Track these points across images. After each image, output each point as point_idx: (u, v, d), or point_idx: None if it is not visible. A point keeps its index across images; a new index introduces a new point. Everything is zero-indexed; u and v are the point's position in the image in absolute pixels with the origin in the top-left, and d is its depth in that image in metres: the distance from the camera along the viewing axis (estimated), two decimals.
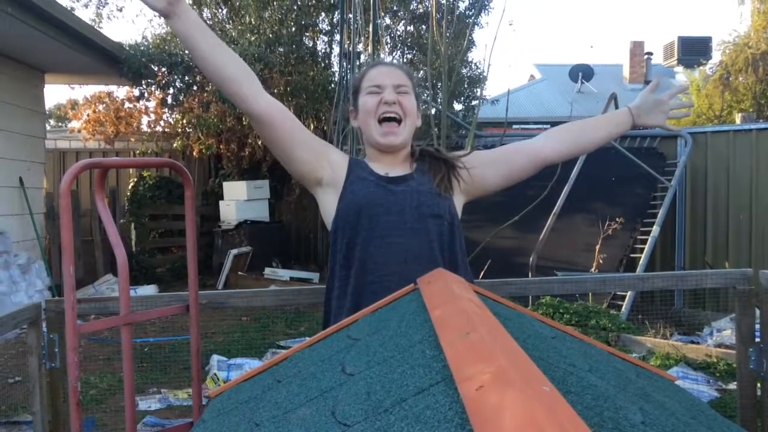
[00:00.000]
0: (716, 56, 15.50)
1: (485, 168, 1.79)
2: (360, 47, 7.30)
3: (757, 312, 2.21)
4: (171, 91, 8.49)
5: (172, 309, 2.06)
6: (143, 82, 8.33)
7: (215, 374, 4.38)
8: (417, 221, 1.66)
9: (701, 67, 15.24)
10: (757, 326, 2.20)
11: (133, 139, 9.88)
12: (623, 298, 6.00)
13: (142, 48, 8.10)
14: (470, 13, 9.04)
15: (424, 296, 1.14)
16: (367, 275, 1.63)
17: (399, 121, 1.72)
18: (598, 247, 6.16)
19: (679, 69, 18.93)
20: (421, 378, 0.78)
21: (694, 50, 18.79)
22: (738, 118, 9.12)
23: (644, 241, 6.44)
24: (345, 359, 1.02)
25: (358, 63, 6.93)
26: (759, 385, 2.19)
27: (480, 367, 0.68)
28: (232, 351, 5.05)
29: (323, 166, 1.73)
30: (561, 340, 1.15)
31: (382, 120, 1.71)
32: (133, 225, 8.66)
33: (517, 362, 0.73)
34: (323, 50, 9.12)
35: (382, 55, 7.15)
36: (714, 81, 13.78)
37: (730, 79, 13.58)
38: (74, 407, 1.72)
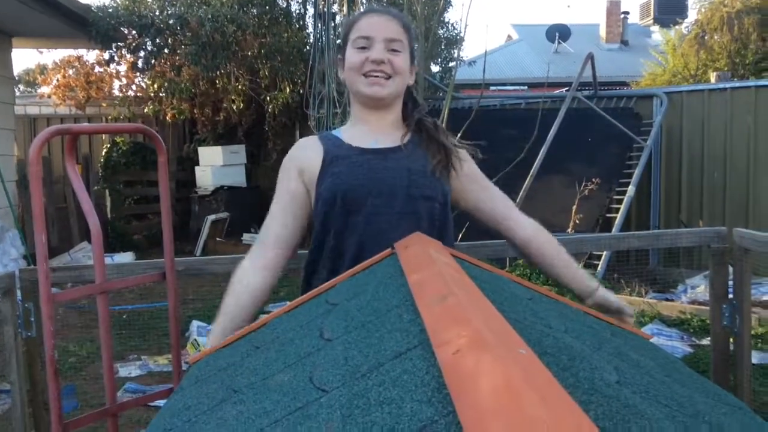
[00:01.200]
0: (692, 15, 15.55)
1: (470, 182, 1.64)
2: (335, 8, 7.18)
3: (730, 269, 2.25)
4: (142, 54, 8.30)
5: (149, 277, 2.04)
6: (113, 46, 8.13)
7: (195, 340, 4.38)
8: (407, 202, 1.50)
9: (677, 27, 15.23)
10: (731, 283, 2.24)
11: (104, 104, 9.68)
12: (599, 257, 6.08)
13: (110, 10, 7.89)
14: None
15: (401, 260, 1.14)
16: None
17: (388, 78, 1.55)
18: (574, 207, 6.21)
19: (655, 28, 18.91)
20: (398, 342, 0.78)
21: (670, 9, 18.80)
22: (713, 77, 9.15)
23: (620, 201, 6.50)
24: (323, 324, 1.02)
25: (333, 24, 6.82)
26: (731, 340, 2.24)
27: (456, 331, 0.68)
28: (211, 317, 5.03)
29: (304, 190, 1.59)
30: (537, 301, 1.16)
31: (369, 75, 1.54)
32: (107, 192, 8.55)
33: (493, 325, 0.73)
34: (298, 11, 8.95)
35: None
36: (689, 40, 13.78)
37: (706, 38, 13.60)
38: (51, 376, 1.70)
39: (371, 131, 1.59)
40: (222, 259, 2.35)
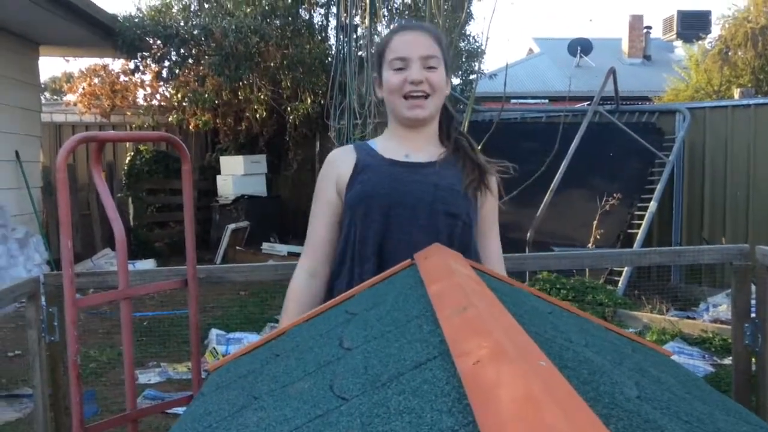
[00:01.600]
0: (716, 30, 15.41)
1: (483, 209, 1.64)
2: (357, 20, 7.23)
3: (753, 287, 2.23)
4: (166, 64, 8.42)
5: (171, 283, 2.07)
6: (138, 55, 8.26)
7: (214, 348, 4.41)
8: (429, 217, 1.52)
9: (700, 42, 15.14)
10: (753, 302, 2.21)
11: (129, 113, 9.82)
12: (620, 273, 6.02)
13: (136, 20, 8.02)
14: None
15: (421, 271, 1.15)
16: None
17: (426, 96, 1.57)
18: (595, 222, 6.17)
19: (678, 43, 18.81)
20: (418, 352, 0.79)
21: (693, 24, 18.70)
22: (736, 93, 9.07)
23: (641, 217, 6.45)
24: (343, 333, 1.02)
25: (354, 36, 6.87)
26: (753, 360, 2.21)
27: (477, 342, 0.68)
28: (230, 325, 5.08)
29: (337, 199, 1.64)
30: (557, 315, 1.16)
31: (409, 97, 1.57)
32: (130, 199, 8.66)
33: (513, 337, 0.73)
34: (320, 23, 9.04)
35: (379, 28, 7.08)
36: (713, 56, 13.69)
37: (729, 53, 13.49)
38: (74, 381, 1.73)
39: (405, 145, 1.62)
40: (242, 268, 2.38)
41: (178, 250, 8.34)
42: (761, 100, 7.13)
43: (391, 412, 0.66)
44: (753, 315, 2.20)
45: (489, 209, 1.66)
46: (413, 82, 1.54)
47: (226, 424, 0.87)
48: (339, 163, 1.64)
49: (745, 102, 7.01)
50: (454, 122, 1.69)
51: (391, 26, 9.01)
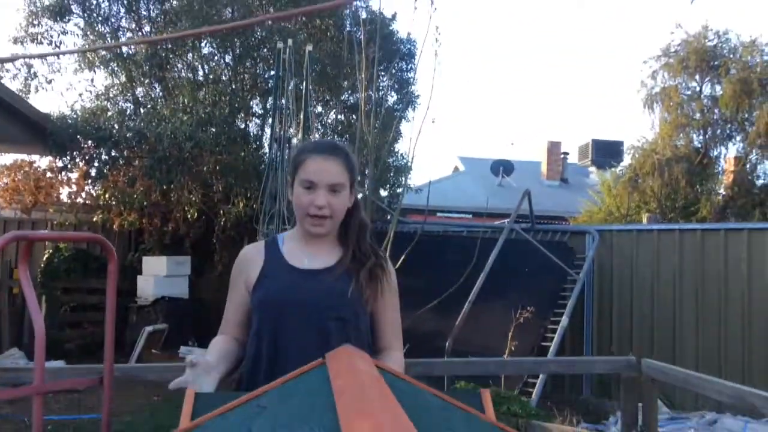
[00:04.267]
0: (627, 159, 16.65)
1: (382, 303, 1.86)
2: (291, 131, 7.55)
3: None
4: (96, 164, 8.43)
5: (86, 381, 2.09)
6: (68, 154, 8.25)
7: None
8: (320, 321, 1.73)
9: (613, 169, 16.29)
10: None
11: (51, 210, 9.65)
12: (534, 385, 6.20)
13: (69, 121, 8.08)
14: (398, 107, 9.51)
15: (329, 369, 1.27)
16: (277, 369, 1.65)
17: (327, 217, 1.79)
18: (510, 334, 6.39)
19: (593, 169, 20.16)
20: None
21: (607, 152, 20.06)
22: (645, 218, 9.79)
23: (555, 330, 6.72)
24: (251, 425, 1.12)
25: (287, 147, 7.15)
26: None
27: (360, 423, 0.81)
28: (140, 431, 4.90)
29: (247, 294, 1.86)
30: (449, 409, 1.29)
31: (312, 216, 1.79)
32: (44, 297, 8.35)
33: (395, 420, 0.87)
34: (255, 132, 9.33)
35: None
36: (623, 183, 14.71)
37: (639, 181, 14.55)
38: None
39: (307, 250, 1.85)
40: (158, 367, 2.41)
41: (90, 351, 8.02)
42: (663, 226, 7.74)
43: None
44: (640, 423, 2.37)
45: (390, 307, 1.88)
46: (318, 206, 1.76)
47: None
48: (249, 264, 1.86)
49: (648, 227, 7.59)
50: (358, 227, 1.87)
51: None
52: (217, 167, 8.12)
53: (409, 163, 8.38)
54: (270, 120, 8.10)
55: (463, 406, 1.41)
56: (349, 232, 1.87)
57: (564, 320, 6.66)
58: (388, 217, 8.69)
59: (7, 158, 10.17)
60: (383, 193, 9.68)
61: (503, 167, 19.40)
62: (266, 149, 8.75)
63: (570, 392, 6.48)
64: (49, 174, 9.64)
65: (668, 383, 2.27)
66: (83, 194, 9.62)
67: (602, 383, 6.61)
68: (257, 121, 9.51)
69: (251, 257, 1.88)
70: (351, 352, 1.41)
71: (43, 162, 9.69)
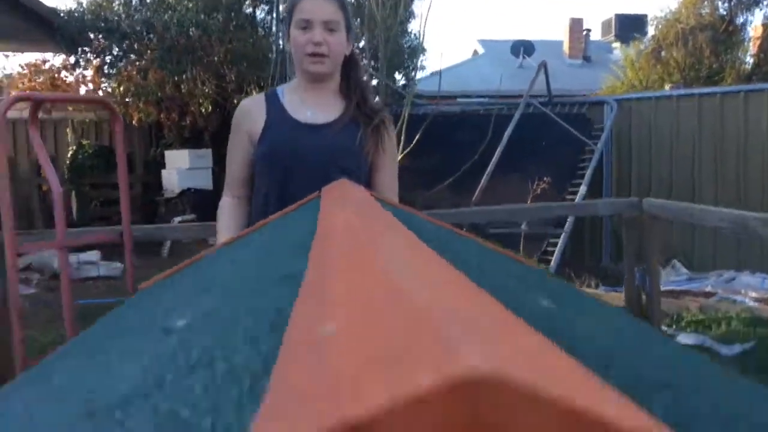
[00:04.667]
0: (651, 31, 16.05)
1: (382, 156, 1.89)
2: None
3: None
4: (108, 58, 8.40)
5: (106, 236, 2.21)
6: (79, 50, 8.22)
7: None
8: (324, 175, 1.71)
9: (636, 41, 15.75)
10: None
11: (71, 108, 9.73)
12: (553, 253, 6.33)
13: (76, 14, 7.99)
14: None
15: (321, 203, 1.32)
16: None
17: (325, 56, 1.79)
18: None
19: (616, 45, 19.50)
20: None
21: (630, 26, 19.36)
22: (668, 89, 9.58)
23: (573, 200, 6.78)
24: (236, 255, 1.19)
25: None
26: (644, 297, 2.46)
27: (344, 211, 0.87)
28: None
29: (250, 145, 1.88)
30: (448, 233, 1.33)
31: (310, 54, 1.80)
32: (74, 193, 8.59)
33: (368, 212, 0.92)
34: (263, 18, 9.14)
35: None
36: (646, 55, 14.28)
37: (662, 53, 14.11)
38: (16, 320, 1.85)
39: (309, 102, 1.85)
40: (177, 227, 2.52)
41: (120, 243, 8.33)
42: (682, 92, 7.58)
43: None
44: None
45: (388, 161, 1.92)
46: (315, 43, 1.76)
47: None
48: (253, 116, 1.87)
49: (667, 93, 7.45)
50: (356, 77, 1.90)
51: None
52: (228, 56, 8.04)
53: (422, 43, 8.20)
54: (277, 2, 7.90)
55: (464, 233, 1.46)
56: (350, 84, 1.89)
57: (582, 189, 6.71)
58: (404, 101, 8.63)
59: (22, 59, 10.17)
60: (397, 76, 9.54)
61: (524, 48, 18.81)
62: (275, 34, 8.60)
63: (589, 260, 6.61)
64: (64, 72, 9.64)
65: (668, 218, 2.32)
66: (100, 92, 9.64)
67: (620, 250, 6.71)
68: (264, 6, 9.28)
69: (252, 108, 1.89)
70: (346, 184, 1.46)
71: (56, 61, 9.67)
